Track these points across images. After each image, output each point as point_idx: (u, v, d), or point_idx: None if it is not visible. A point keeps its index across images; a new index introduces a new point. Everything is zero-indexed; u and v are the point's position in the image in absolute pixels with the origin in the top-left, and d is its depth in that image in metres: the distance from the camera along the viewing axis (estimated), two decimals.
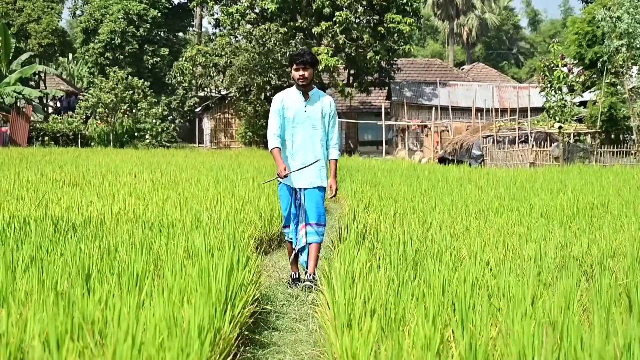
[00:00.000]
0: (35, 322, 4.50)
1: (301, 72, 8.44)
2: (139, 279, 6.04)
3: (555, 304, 5.47)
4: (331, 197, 8.86)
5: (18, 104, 48.06)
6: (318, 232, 8.58)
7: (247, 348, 6.06)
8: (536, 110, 45.16)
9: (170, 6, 62.55)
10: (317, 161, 8.58)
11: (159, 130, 48.65)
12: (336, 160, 8.86)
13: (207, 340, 4.63)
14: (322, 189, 8.72)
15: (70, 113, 52.78)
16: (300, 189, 8.68)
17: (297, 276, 8.80)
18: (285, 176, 8.38)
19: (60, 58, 75.47)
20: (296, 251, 8.71)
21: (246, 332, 6.21)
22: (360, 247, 7.48)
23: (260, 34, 44.33)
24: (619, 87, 35.18)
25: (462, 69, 70.74)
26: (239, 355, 5.70)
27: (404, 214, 11.99)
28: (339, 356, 4.94)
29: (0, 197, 12.30)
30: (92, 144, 47.18)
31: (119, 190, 13.87)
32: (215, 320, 5.08)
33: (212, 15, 49.97)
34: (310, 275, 8.40)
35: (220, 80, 48.89)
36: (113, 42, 56.89)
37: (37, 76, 58.53)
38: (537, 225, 11.11)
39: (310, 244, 8.56)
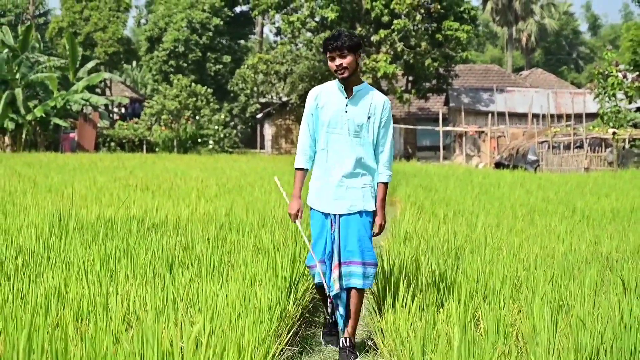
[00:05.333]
0: (137, 298, 5.52)
1: (337, 61, 5.98)
2: (215, 268, 7.04)
3: (572, 291, 6.37)
4: (375, 235, 6.22)
5: (85, 111, 49.62)
6: (363, 273, 6.02)
7: (308, 327, 7.04)
8: (592, 116, 45.46)
9: (233, 15, 63.76)
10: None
11: (222, 136, 49.94)
12: (386, 184, 6.24)
13: (275, 315, 5.63)
14: (367, 214, 6.12)
15: (135, 119, 54.24)
16: (334, 216, 6.14)
17: (334, 321, 6.35)
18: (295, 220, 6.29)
19: (125, 65, 77.18)
20: (330, 300, 6.13)
21: (307, 315, 7.19)
22: (407, 243, 8.39)
23: (321, 41, 45.23)
24: None
25: (521, 74, 70.99)
26: (301, 332, 6.70)
27: (453, 217, 12.75)
28: (385, 330, 5.91)
29: (80, 200, 13.27)
30: (157, 149, 48.55)
31: (188, 195, 14.78)
32: (281, 301, 6.06)
33: (273, 23, 50.99)
34: (348, 340, 6.06)
35: (281, 87, 49.98)
36: (177, 50, 58.20)
37: (102, 83, 60.12)
38: (577, 226, 11.81)
39: (349, 289, 6.12)
